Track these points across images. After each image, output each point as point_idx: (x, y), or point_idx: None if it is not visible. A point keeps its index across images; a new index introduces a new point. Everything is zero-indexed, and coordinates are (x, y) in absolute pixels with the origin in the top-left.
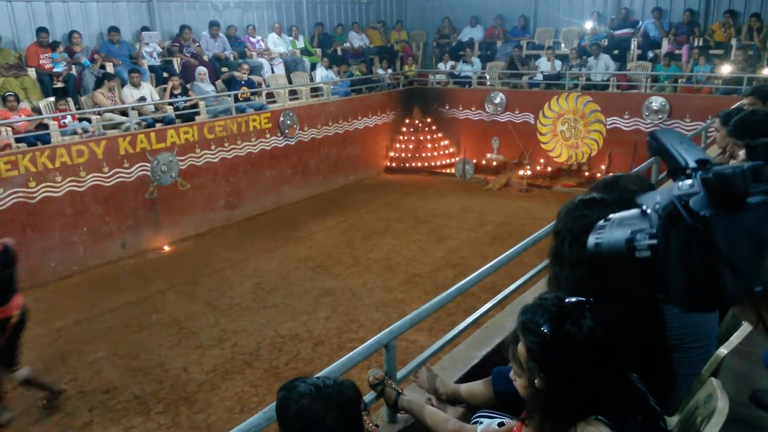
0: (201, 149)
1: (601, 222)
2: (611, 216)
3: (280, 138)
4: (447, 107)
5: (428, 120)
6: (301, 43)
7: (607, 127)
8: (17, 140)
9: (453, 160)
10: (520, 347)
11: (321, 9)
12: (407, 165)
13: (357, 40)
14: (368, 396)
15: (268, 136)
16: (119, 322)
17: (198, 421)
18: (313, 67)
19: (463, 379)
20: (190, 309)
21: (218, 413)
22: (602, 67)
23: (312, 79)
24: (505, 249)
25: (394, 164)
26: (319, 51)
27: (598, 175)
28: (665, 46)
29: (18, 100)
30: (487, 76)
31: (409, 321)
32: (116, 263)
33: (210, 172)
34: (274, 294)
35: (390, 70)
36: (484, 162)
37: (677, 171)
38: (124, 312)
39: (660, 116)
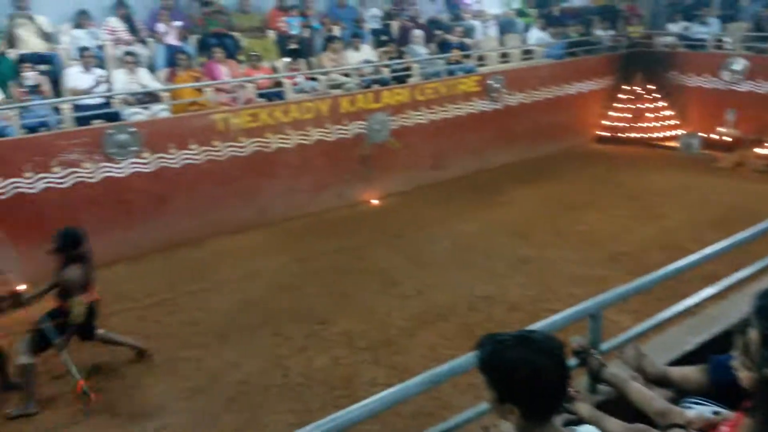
0: (412, 110)
1: None
2: None
3: (487, 101)
4: (674, 73)
5: (650, 87)
6: (516, 4)
7: None
8: (258, 95)
9: (676, 132)
10: (753, 334)
11: None
12: (622, 135)
13: None
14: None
15: (475, 99)
16: (331, 265)
17: (395, 361)
18: (527, 28)
19: (673, 363)
20: (393, 260)
21: (414, 358)
22: None
23: (525, 41)
24: (729, 235)
25: (607, 134)
26: (535, 12)
27: None
28: None
29: (260, 59)
30: (728, 39)
31: (619, 294)
32: (331, 212)
33: (418, 132)
34: (471, 255)
35: (611, 32)
36: (714, 137)
37: None
38: (336, 256)
39: None
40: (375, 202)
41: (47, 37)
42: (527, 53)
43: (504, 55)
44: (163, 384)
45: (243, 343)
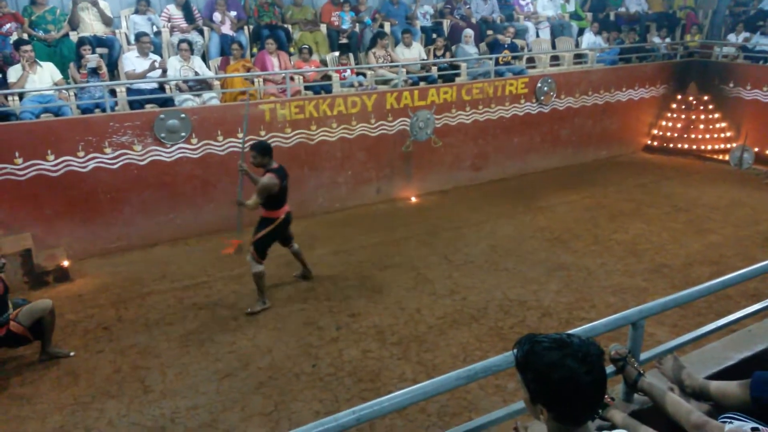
0: (456, 109)
1: None
2: None
3: (534, 104)
4: (731, 85)
5: (705, 98)
6: (571, 7)
7: None
8: (306, 88)
9: (729, 145)
10: None
11: None
12: (671, 146)
13: (634, 4)
14: (606, 369)
15: (522, 101)
16: (367, 259)
17: (425, 359)
18: (581, 32)
19: (713, 377)
20: (428, 258)
21: (443, 357)
22: None
23: (577, 45)
24: None
25: (655, 143)
26: (590, 15)
27: None
28: None
29: (311, 52)
30: None
31: (662, 304)
32: (370, 206)
33: (461, 132)
34: (506, 258)
35: (668, 39)
36: None
37: None
38: (372, 250)
39: None
40: (413, 199)
41: (108, 21)
42: (579, 57)
43: (555, 58)
44: (197, 365)
45: (276, 329)
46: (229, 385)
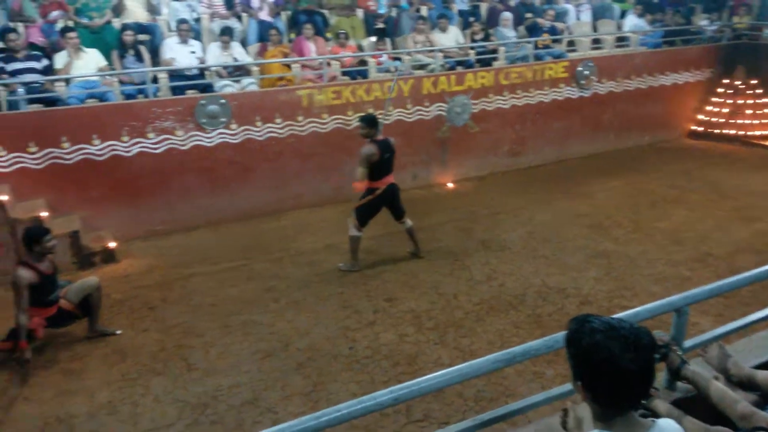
0: (494, 94)
1: None
2: None
3: (575, 89)
4: None
5: (753, 82)
6: None
7: None
8: (342, 73)
9: None
10: None
11: None
12: (717, 131)
13: None
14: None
15: (562, 85)
16: (403, 244)
17: (462, 344)
18: (623, 14)
19: (761, 367)
20: (465, 244)
21: (480, 343)
22: None
23: (619, 28)
24: None
25: (701, 128)
26: None
27: None
28: None
29: (347, 37)
30: None
31: (708, 291)
32: (406, 192)
33: (499, 117)
34: (545, 245)
35: (715, 21)
36: None
37: None
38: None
39: None
40: (450, 185)
41: (152, 8)
42: (621, 40)
43: (596, 41)
44: (238, 345)
45: (314, 312)
46: (270, 364)
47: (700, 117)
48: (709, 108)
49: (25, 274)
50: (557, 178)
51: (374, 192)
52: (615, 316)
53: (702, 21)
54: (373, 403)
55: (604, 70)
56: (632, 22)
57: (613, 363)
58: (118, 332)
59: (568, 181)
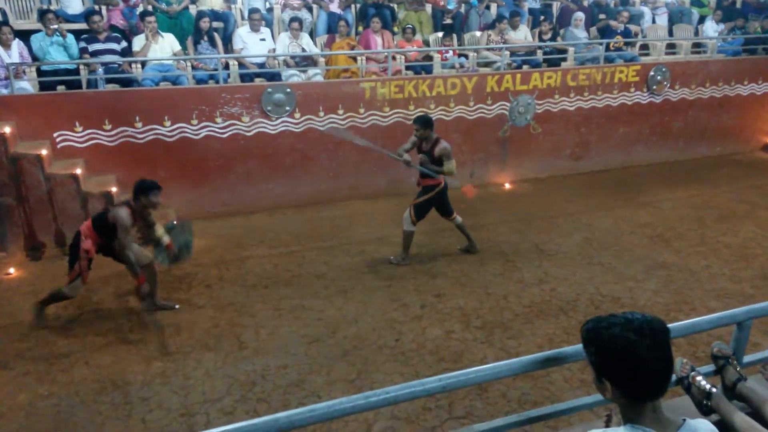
0: (560, 95)
1: None
2: None
3: (645, 94)
4: None
5: None
6: None
7: None
8: (407, 68)
9: None
10: None
11: None
12: None
13: None
14: (705, 368)
15: (632, 90)
16: (456, 241)
17: (509, 345)
18: (702, 20)
19: None
20: (518, 246)
21: (527, 345)
22: None
23: (697, 33)
24: None
25: None
26: (713, 2)
27: None
28: None
29: (414, 32)
30: None
31: None
32: (457, 189)
33: (563, 119)
34: (602, 252)
35: None
36: None
37: None
38: (462, 234)
39: None
40: (507, 185)
41: None
42: (698, 46)
43: (671, 46)
44: (288, 328)
45: (362, 302)
46: (317, 349)
47: None
48: None
49: (123, 213)
50: (620, 184)
51: (435, 189)
52: (672, 324)
53: None
54: (421, 389)
55: (677, 76)
56: (711, 27)
57: (632, 351)
58: (176, 307)
59: (631, 188)
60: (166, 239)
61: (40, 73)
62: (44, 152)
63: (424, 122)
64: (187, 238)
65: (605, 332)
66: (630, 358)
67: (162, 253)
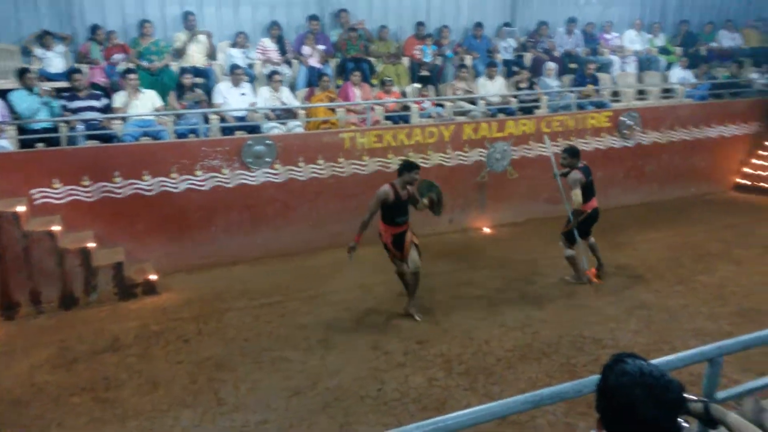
0: (535, 142)
1: None
2: None
3: (618, 138)
4: None
5: None
6: (660, 41)
7: None
8: (385, 118)
9: None
10: None
11: (689, 5)
12: (764, 185)
13: (728, 39)
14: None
15: (604, 135)
16: (437, 287)
17: (492, 391)
18: (669, 66)
19: None
20: (500, 290)
21: (511, 390)
22: None
23: (666, 80)
24: None
25: (747, 182)
26: (679, 50)
27: None
28: None
29: (392, 84)
30: None
31: (743, 342)
32: (443, 235)
33: (539, 164)
34: (583, 294)
35: (766, 75)
36: None
37: None
38: (443, 278)
39: None
40: (487, 230)
41: (212, 53)
42: (667, 92)
43: (641, 93)
44: (268, 381)
45: (344, 352)
46: (298, 402)
47: (747, 170)
48: (756, 161)
49: (386, 189)
50: (597, 227)
51: (583, 214)
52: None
53: (753, 74)
54: None
55: (648, 120)
56: (678, 74)
57: (631, 411)
58: (418, 319)
59: (608, 230)
60: (425, 201)
61: (21, 131)
62: (21, 209)
63: (571, 152)
64: (434, 191)
65: (614, 378)
66: (627, 415)
67: (430, 208)
